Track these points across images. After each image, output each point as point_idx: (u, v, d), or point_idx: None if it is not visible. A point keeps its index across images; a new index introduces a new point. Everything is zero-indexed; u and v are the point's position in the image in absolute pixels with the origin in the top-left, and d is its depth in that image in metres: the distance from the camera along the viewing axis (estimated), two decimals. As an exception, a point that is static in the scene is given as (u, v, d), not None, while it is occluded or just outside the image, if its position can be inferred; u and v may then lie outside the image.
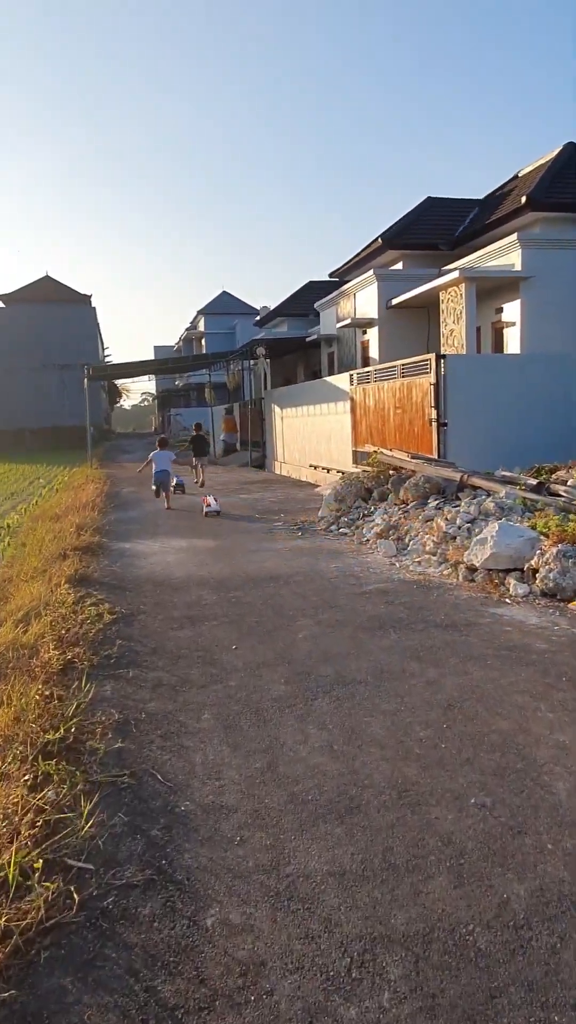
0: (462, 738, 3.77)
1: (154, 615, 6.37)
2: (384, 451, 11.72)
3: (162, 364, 24.83)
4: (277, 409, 23.99)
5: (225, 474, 22.73)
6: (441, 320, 18.26)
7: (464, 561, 7.23)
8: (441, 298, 18.13)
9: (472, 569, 7.12)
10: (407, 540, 8.79)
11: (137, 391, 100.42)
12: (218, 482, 20.08)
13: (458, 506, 8.67)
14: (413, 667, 4.84)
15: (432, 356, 12.64)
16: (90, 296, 57.35)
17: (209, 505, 13.17)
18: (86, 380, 25.17)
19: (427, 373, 12.71)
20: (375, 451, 12.00)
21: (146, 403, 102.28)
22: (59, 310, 52.69)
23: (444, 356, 12.55)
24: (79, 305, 55.35)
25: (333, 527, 10.64)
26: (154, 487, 14.82)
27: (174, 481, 15.70)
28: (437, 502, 9.20)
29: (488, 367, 12.97)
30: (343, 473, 17.48)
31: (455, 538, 7.87)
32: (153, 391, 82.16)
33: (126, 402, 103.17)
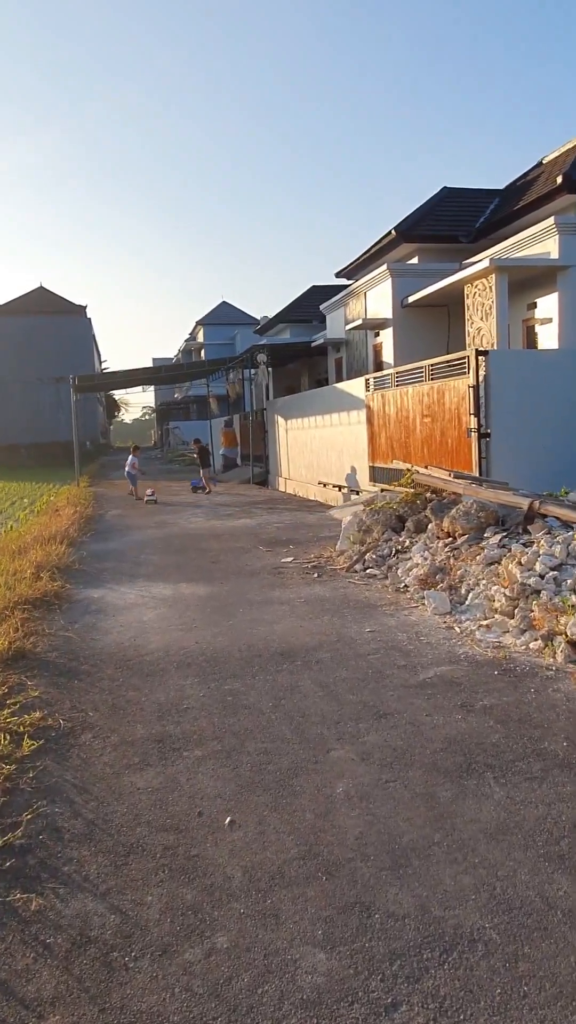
0: None
1: (106, 735, 4.12)
2: (420, 469, 9.51)
3: (154, 373, 22.67)
4: (281, 420, 21.83)
5: (224, 492, 20.52)
6: (466, 317, 16.09)
7: (567, 632, 5.00)
8: (467, 292, 15.96)
9: None
10: (463, 590, 6.56)
11: (137, 405, 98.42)
12: (216, 502, 17.87)
13: (532, 544, 6.45)
14: (560, 886, 2.60)
15: (471, 353, 10.47)
16: (85, 307, 55.49)
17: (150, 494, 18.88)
18: (72, 391, 23.00)
19: (463, 374, 10.54)
20: (409, 469, 9.78)
21: (147, 417, 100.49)
22: (53, 321, 50.78)
23: (486, 352, 10.38)
24: (74, 316, 53.44)
25: (358, 566, 8.40)
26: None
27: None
28: (499, 537, 6.98)
29: (542, 365, 10.80)
30: (357, 492, 15.28)
31: (539, 592, 5.65)
32: (153, 404, 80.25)
33: (126, 416, 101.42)
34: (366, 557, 8.46)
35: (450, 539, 7.77)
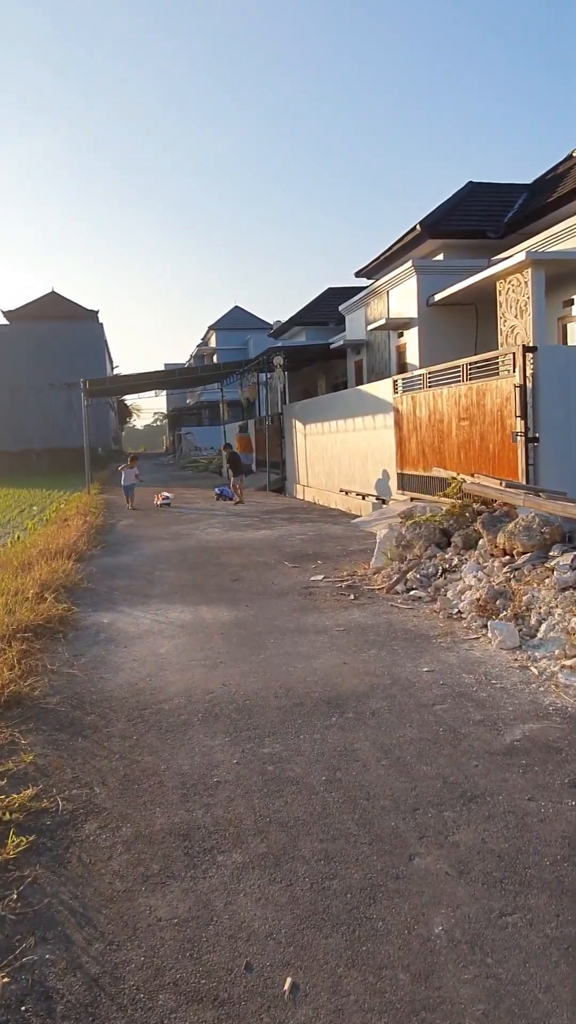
0: None
1: (116, 824, 3.19)
2: (467, 478, 8.56)
3: (167, 376, 21.81)
4: (299, 425, 20.92)
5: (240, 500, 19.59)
6: (499, 315, 15.15)
7: None
8: (499, 289, 15.03)
9: None
10: (533, 620, 5.61)
11: (149, 410, 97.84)
12: (232, 511, 16.97)
13: (614, 567, 5.50)
14: None
15: (516, 349, 9.53)
16: (97, 312, 54.96)
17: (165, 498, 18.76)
18: (83, 395, 22.19)
19: (507, 374, 9.60)
20: (454, 478, 8.83)
21: (159, 423, 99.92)
22: (65, 327, 50.22)
23: (534, 349, 9.45)
24: (86, 321, 52.87)
25: (399, 586, 7.46)
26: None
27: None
28: (570, 557, 6.02)
29: (597, 362, 9.82)
30: (384, 501, 14.33)
31: None
32: (165, 410, 79.60)
33: (138, 422, 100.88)
34: (408, 576, 7.52)
35: (507, 557, 6.83)
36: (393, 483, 13.84)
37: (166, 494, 19.78)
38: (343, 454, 17.11)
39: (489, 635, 5.63)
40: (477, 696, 4.51)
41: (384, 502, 14.20)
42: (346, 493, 16.65)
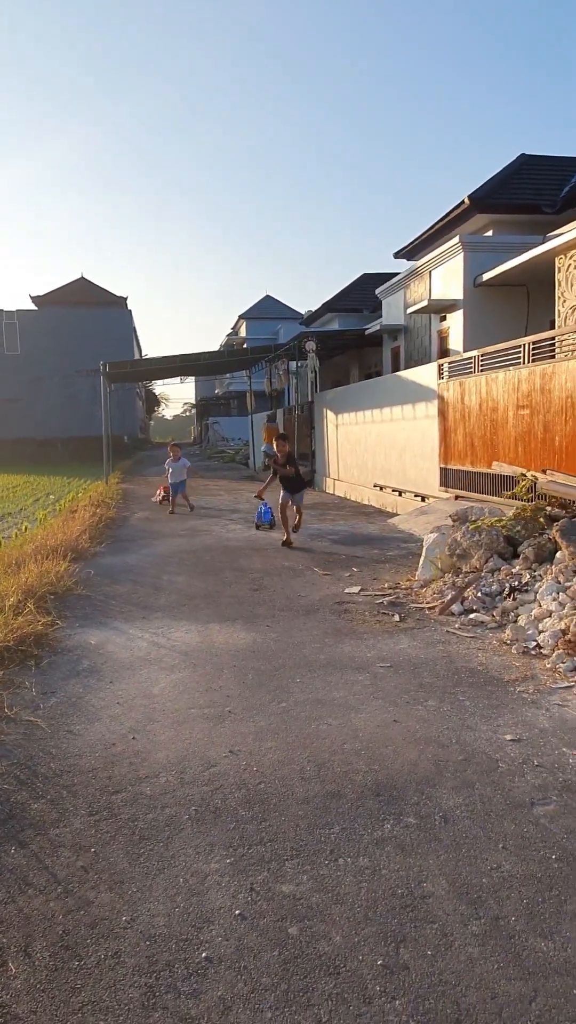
0: None
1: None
2: (539, 475, 7.09)
3: (191, 360, 20.48)
4: (330, 415, 19.51)
5: (267, 493, 18.25)
6: (557, 295, 13.62)
7: None
8: (558, 265, 13.50)
9: None
10: None
11: (178, 400, 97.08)
12: (256, 505, 15.60)
13: None
14: None
15: (596, 324, 8.04)
16: (126, 298, 53.84)
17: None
18: (103, 379, 20.97)
19: (580, 352, 8.13)
20: (525, 475, 7.36)
21: (187, 413, 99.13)
22: (93, 313, 49.19)
23: (617, 323, 7.95)
24: (114, 308, 51.80)
25: (455, 606, 6.05)
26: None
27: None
28: None
29: None
30: (423, 498, 12.88)
31: None
32: (193, 400, 78.56)
33: (167, 412, 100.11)
34: (467, 594, 6.10)
35: (597, 576, 5.39)
36: (434, 479, 12.39)
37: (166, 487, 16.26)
38: (378, 446, 15.68)
39: (588, 685, 4.21)
40: (591, 790, 3.10)
41: (424, 499, 12.76)
42: (380, 488, 15.24)
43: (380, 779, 3.27)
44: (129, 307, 53.09)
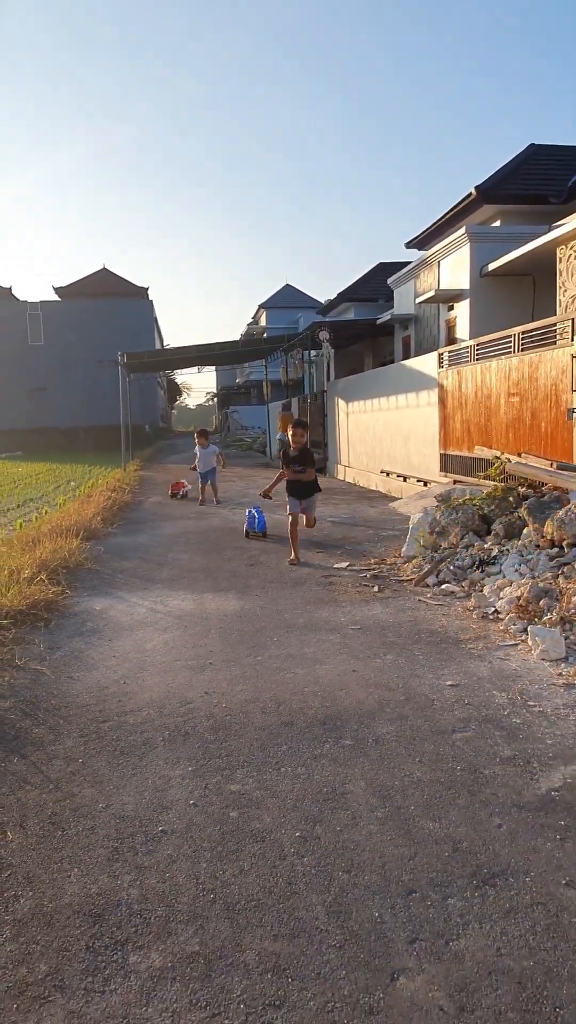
0: None
1: (14, 894, 2.43)
2: (512, 458, 7.58)
3: (207, 351, 21.03)
4: (342, 403, 19.99)
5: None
6: (559, 284, 13.94)
7: None
8: (559, 256, 13.81)
9: None
10: (584, 626, 4.68)
11: (201, 390, 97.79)
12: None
13: None
14: None
15: (575, 315, 8.48)
16: (147, 289, 54.49)
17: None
18: (121, 369, 21.61)
19: (566, 342, 8.55)
20: (497, 458, 7.86)
21: (210, 403, 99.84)
22: (115, 304, 49.88)
23: (596, 313, 8.37)
24: (136, 298, 52.48)
25: (431, 578, 6.58)
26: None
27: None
28: (631, 552, 5.06)
29: None
30: (426, 483, 13.36)
31: None
32: (215, 389, 79.21)
33: (189, 401, 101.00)
34: (441, 568, 6.62)
35: (555, 550, 5.88)
36: (435, 464, 12.86)
37: (184, 482, 15.88)
38: (385, 433, 16.16)
39: (529, 642, 4.72)
40: (509, 723, 3.63)
41: (425, 484, 13.24)
42: (387, 474, 15.72)
43: (329, 713, 3.83)
44: (150, 297, 53.76)
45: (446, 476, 12.35)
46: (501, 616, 5.39)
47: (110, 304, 49.67)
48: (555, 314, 14.09)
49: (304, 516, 8.42)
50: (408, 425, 14.58)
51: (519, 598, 5.34)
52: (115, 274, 55.23)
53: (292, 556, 7.98)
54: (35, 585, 6.51)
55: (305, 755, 3.35)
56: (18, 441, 44.92)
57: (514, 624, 5.14)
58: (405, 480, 14.52)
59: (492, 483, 7.37)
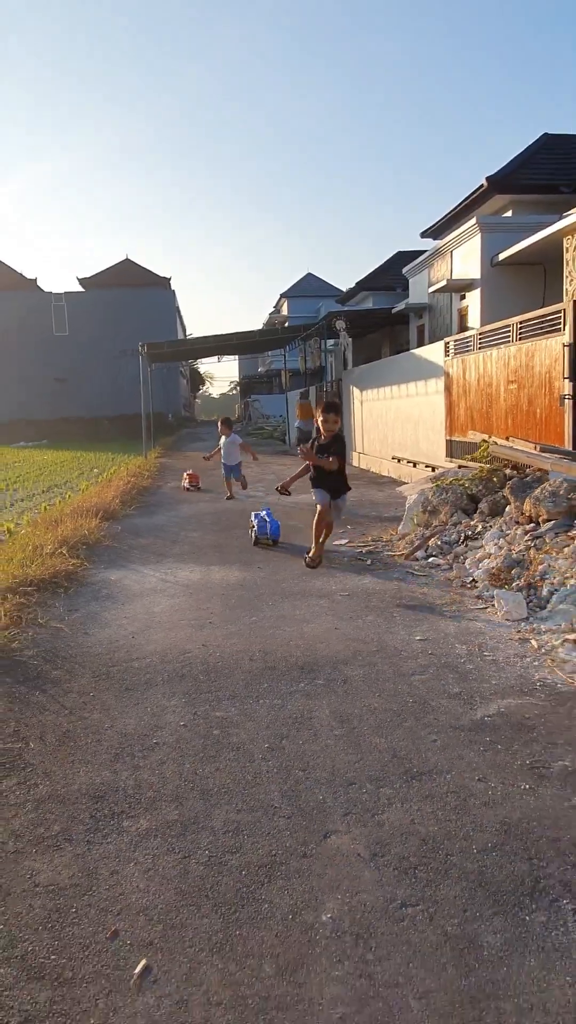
0: None
1: (35, 781, 3.04)
2: (498, 441, 8.07)
3: (225, 340, 21.59)
4: (356, 391, 20.46)
5: (296, 466, 19.34)
6: (565, 273, 14.29)
7: None
8: (566, 245, 14.16)
9: None
10: (545, 591, 5.19)
11: (224, 379, 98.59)
12: (284, 476, 16.71)
13: None
14: None
15: (567, 305, 8.89)
16: (169, 279, 55.12)
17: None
18: (142, 359, 22.25)
19: (557, 332, 8.98)
20: (484, 441, 8.35)
21: (234, 392, 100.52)
22: (138, 294, 50.56)
23: (587, 304, 8.78)
24: (158, 288, 53.14)
25: (419, 552, 7.11)
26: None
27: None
28: (594, 525, 5.54)
29: None
30: (433, 468, 13.82)
31: None
32: (237, 378, 79.85)
33: (213, 390, 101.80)
34: (430, 543, 7.15)
35: (532, 525, 6.38)
36: (442, 450, 13.33)
37: (197, 475, 15.03)
38: (396, 420, 16.62)
39: (497, 606, 5.24)
40: (463, 668, 4.17)
41: (433, 469, 13.71)
42: (398, 460, 16.20)
43: (308, 660, 4.39)
44: (172, 287, 54.38)
45: (451, 461, 12.81)
46: (477, 584, 5.91)
47: (133, 294, 50.38)
48: (565, 301, 14.43)
49: (333, 512, 7.21)
50: (417, 412, 15.04)
51: (493, 568, 5.84)
52: (138, 264, 55.91)
53: (313, 552, 7.04)
54: (56, 558, 7.14)
55: (282, 691, 3.92)
56: (44, 430, 45.88)
57: (487, 591, 5.65)
58: (415, 466, 14.99)
59: (479, 465, 7.85)
